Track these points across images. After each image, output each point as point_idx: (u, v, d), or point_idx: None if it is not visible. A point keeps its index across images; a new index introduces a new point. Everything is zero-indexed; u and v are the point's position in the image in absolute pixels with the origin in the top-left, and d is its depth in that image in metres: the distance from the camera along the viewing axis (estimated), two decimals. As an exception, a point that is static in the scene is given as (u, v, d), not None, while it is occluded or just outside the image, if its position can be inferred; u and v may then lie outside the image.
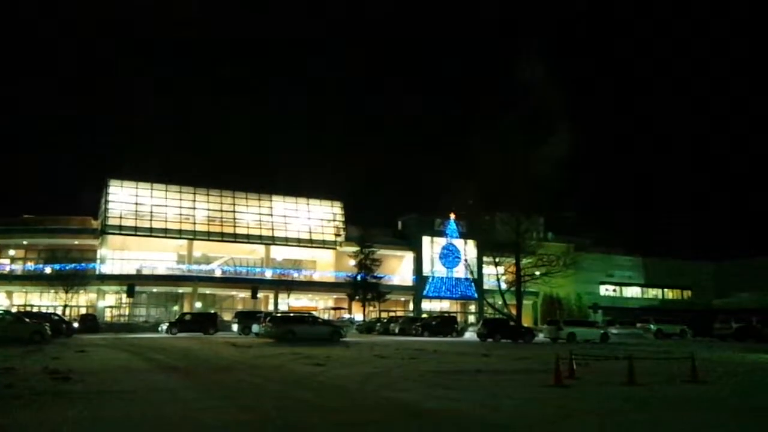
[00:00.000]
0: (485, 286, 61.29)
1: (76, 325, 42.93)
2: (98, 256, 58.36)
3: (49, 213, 60.91)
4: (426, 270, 67.46)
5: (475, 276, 61.29)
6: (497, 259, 47.75)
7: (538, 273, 47.35)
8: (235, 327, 45.21)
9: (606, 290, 77.62)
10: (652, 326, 48.27)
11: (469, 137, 45.39)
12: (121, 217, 56.53)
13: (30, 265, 59.49)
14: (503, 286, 48.79)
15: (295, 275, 63.48)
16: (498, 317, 48.36)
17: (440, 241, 68.19)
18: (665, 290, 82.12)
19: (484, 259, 58.07)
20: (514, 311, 47.11)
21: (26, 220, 60.45)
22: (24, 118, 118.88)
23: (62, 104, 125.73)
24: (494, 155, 43.74)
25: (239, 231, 61.19)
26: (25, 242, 60.05)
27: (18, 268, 59.39)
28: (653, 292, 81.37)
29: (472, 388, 13.52)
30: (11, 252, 60.00)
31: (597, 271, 74.39)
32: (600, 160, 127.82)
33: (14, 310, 48.51)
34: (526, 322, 56.43)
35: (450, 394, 12.58)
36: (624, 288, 79.59)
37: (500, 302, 48.79)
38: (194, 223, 59.44)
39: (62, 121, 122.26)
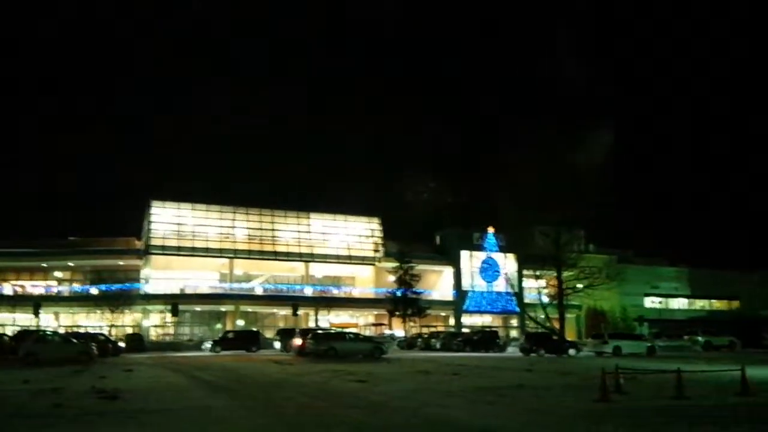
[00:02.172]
0: (526, 300, 60.58)
1: (122, 344, 43.62)
2: (142, 276, 59.34)
3: (94, 235, 62.24)
4: (465, 284, 67.00)
5: (516, 290, 60.63)
6: (538, 273, 47.22)
7: (580, 286, 46.63)
8: (277, 344, 45.50)
9: (651, 302, 76.05)
10: (699, 338, 47.08)
11: (507, 147, 45.01)
12: (164, 238, 57.44)
13: (76, 287, 60.64)
14: (545, 299, 48.21)
15: (335, 292, 63.67)
16: (541, 331, 47.77)
17: (479, 255, 67.68)
18: (712, 301, 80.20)
19: (525, 272, 57.41)
20: (556, 325, 46.48)
21: (72, 242, 61.79)
22: (67, 141, 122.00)
23: (104, 127, 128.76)
24: (532, 166, 43.43)
25: (279, 249, 61.66)
26: (71, 264, 61.33)
27: (65, 289, 60.65)
28: (700, 303, 79.45)
29: (516, 405, 13.34)
30: (58, 273, 61.38)
31: (641, 283, 72.93)
32: (641, 169, 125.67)
33: (62, 330, 49.62)
34: (570, 336, 55.51)
35: (493, 410, 12.43)
36: (670, 299, 77.90)
37: (542, 316, 48.18)
38: (235, 242, 60.10)
39: (105, 144, 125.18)
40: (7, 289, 58.39)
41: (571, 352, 38.78)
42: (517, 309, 64.51)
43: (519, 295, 61.25)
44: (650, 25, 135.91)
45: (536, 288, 47.98)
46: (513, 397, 14.70)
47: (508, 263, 65.14)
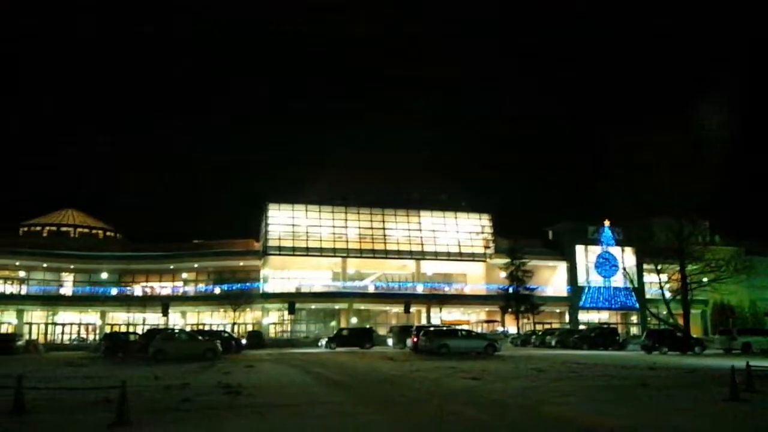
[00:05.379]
0: (647, 295, 58.09)
1: (244, 341, 45.46)
2: (261, 276, 61.62)
3: (216, 237, 65.48)
4: (581, 280, 65.03)
5: (635, 285, 58.19)
6: (659, 267, 45.15)
7: (705, 279, 44.25)
8: (390, 341, 46.01)
9: (784, 296, 70.96)
10: (837, 332, 43.45)
11: (621, 138, 43.18)
12: (280, 239, 59.40)
13: (201, 287, 63.97)
14: (667, 294, 46.05)
15: (446, 289, 63.57)
16: (663, 328, 45.68)
17: (595, 250, 65.49)
18: None
19: (645, 266, 54.95)
20: (680, 321, 44.31)
21: (196, 245, 65.25)
22: (194, 154, 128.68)
23: (220, 133, 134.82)
24: (650, 155, 41.58)
25: (390, 247, 62.26)
26: (195, 265, 64.52)
27: (190, 289, 64.03)
28: (837, 296, 73.32)
29: (640, 404, 12.86)
30: (184, 275, 64.82)
31: (772, 275, 68.24)
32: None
33: (188, 329, 52.37)
34: (695, 332, 52.79)
35: (616, 409, 12.04)
36: (804, 292, 72.35)
37: (665, 312, 46.08)
38: (347, 241, 61.23)
39: (224, 156, 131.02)
40: (138, 290, 62.36)
41: (697, 349, 36.84)
42: (637, 305, 61.96)
43: (639, 290, 58.75)
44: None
45: (657, 283, 45.86)
46: (635, 395, 14.18)
47: (626, 257, 62.70)
